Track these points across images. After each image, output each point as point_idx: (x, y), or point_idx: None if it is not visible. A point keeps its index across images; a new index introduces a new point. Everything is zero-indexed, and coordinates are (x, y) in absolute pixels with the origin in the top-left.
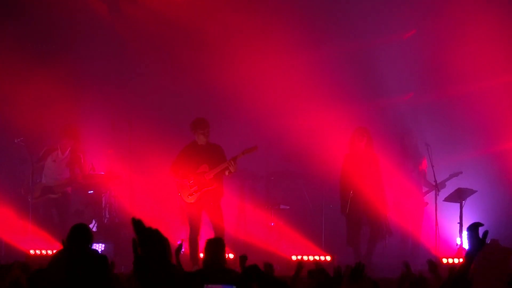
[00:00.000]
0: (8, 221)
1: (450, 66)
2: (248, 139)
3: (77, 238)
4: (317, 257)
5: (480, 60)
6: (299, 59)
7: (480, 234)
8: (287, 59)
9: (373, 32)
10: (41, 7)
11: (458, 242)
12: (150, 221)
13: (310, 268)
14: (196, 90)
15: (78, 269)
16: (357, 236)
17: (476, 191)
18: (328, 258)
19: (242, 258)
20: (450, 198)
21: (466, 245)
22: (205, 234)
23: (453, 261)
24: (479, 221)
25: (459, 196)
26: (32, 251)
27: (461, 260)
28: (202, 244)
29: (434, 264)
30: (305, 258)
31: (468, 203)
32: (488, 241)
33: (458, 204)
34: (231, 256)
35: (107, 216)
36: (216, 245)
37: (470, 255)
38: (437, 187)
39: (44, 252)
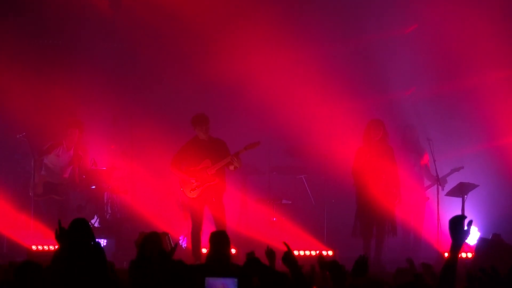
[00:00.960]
0: (10, 217)
1: (451, 60)
2: (250, 134)
3: (77, 233)
4: (319, 252)
5: (482, 54)
6: (302, 54)
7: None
8: (289, 54)
9: (375, 27)
10: (42, 3)
11: None
12: (152, 217)
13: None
14: (198, 84)
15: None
16: (370, 228)
17: (478, 186)
18: (330, 252)
19: (249, 256)
20: (452, 193)
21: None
22: (207, 229)
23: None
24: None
25: (461, 190)
26: (34, 247)
27: (463, 254)
28: (204, 239)
29: (428, 266)
30: (307, 253)
31: (470, 197)
32: (490, 236)
33: (460, 199)
34: (233, 251)
35: (109, 211)
36: (220, 238)
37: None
38: (439, 181)
39: (46, 247)
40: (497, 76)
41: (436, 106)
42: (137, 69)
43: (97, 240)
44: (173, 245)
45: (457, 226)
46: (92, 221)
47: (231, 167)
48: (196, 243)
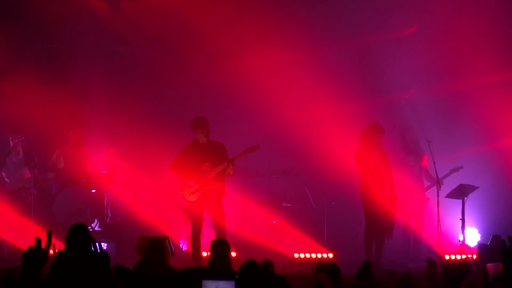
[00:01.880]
0: (10, 221)
1: (450, 62)
2: (249, 137)
3: (75, 239)
4: (319, 255)
5: (481, 56)
6: (300, 56)
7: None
8: (288, 56)
9: (374, 28)
10: (42, 6)
11: (460, 238)
12: (152, 220)
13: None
14: (197, 87)
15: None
16: (373, 230)
17: (478, 187)
18: (331, 255)
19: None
20: (452, 195)
21: (468, 242)
22: (206, 233)
23: (455, 258)
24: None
25: (461, 192)
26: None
27: (463, 256)
28: (204, 242)
29: (433, 262)
30: (307, 255)
31: (470, 199)
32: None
33: (460, 201)
34: (233, 254)
35: (109, 215)
36: (221, 246)
37: None
38: (439, 182)
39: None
40: (496, 78)
41: (435, 107)
42: (137, 72)
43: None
44: (173, 249)
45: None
46: (93, 225)
47: (227, 173)
48: (196, 247)
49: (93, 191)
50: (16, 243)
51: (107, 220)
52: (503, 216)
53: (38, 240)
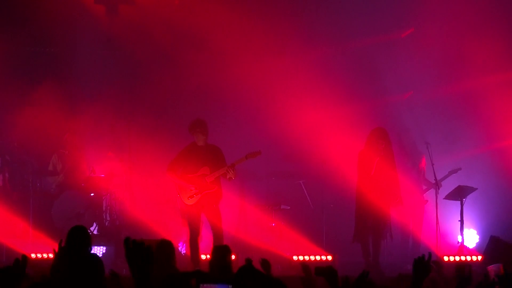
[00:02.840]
0: (8, 225)
1: (448, 64)
2: (248, 140)
3: (75, 241)
4: (318, 257)
5: (479, 57)
6: (298, 59)
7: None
8: (286, 59)
9: (371, 30)
10: (38, 10)
11: (459, 240)
12: (150, 223)
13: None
14: (195, 91)
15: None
16: (367, 233)
17: (476, 189)
18: (330, 257)
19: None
20: (450, 196)
21: (467, 243)
22: (205, 235)
23: (454, 259)
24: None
25: (459, 194)
26: (33, 255)
27: (462, 258)
28: (202, 245)
29: (439, 264)
30: (306, 258)
31: (468, 201)
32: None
33: (459, 202)
34: (232, 257)
35: (108, 218)
36: (223, 252)
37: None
38: (437, 185)
39: (45, 255)
40: (494, 80)
41: (433, 109)
42: (134, 75)
43: (96, 247)
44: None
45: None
46: (91, 229)
47: (227, 177)
48: (194, 250)
49: (91, 194)
50: (15, 247)
51: (106, 224)
52: (502, 217)
53: (16, 261)
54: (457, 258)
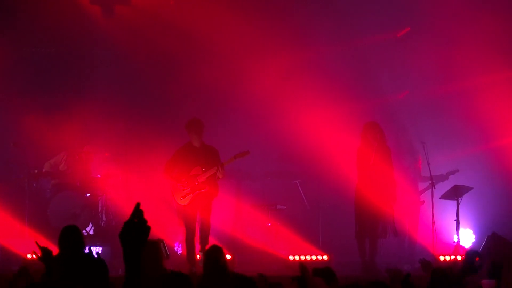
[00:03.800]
0: (5, 226)
1: (445, 63)
2: (244, 139)
3: (68, 241)
4: (314, 257)
5: (475, 56)
6: (294, 58)
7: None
8: (282, 59)
9: (367, 30)
10: (33, 10)
11: (455, 239)
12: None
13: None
14: (191, 91)
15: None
16: (365, 230)
17: (472, 188)
18: (325, 257)
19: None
20: (446, 196)
21: (463, 242)
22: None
23: (450, 258)
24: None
25: (455, 193)
26: (29, 256)
27: (458, 257)
28: (198, 246)
29: (427, 263)
30: (302, 258)
31: (464, 200)
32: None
33: (455, 201)
34: (228, 257)
35: (104, 219)
36: (214, 253)
37: None
38: (433, 183)
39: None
40: (490, 79)
41: (429, 109)
42: (130, 76)
43: (92, 247)
44: (168, 252)
45: None
46: (87, 229)
47: (217, 176)
48: (190, 249)
49: (87, 195)
50: (11, 248)
51: (102, 224)
52: (498, 216)
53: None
54: (453, 258)
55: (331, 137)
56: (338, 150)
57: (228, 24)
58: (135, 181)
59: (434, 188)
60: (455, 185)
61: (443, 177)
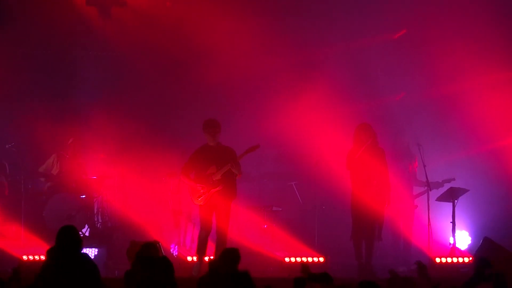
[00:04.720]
0: (0, 227)
1: (441, 65)
2: (240, 141)
3: (65, 242)
4: (310, 259)
5: (472, 58)
6: (292, 60)
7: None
8: (278, 61)
9: (364, 32)
10: (30, 12)
11: (451, 241)
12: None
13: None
14: (188, 92)
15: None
16: (361, 232)
17: (468, 190)
18: (321, 259)
19: None
20: (442, 198)
21: (459, 244)
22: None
23: (446, 261)
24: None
25: (451, 195)
26: (25, 257)
27: (454, 259)
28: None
29: (423, 266)
30: (298, 259)
31: (460, 202)
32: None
33: (451, 204)
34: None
35: (100, 220)
36: (233, 255)
37: None
38: (429, 186)
39: (37, 257)
40: (487, 80)
41: (426, 110)
42: (127, 77)
43: (87, 249)
44: (163, 254)
45: None
46: (83, 230)
47: (234, 173)
48: (201, 247)
49: (83, 196)
50: (7, 249)
51: (98, 226)
52: (494, 218)
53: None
54: (449, 260)
55: (328, 139)
56: (335, 152)
57: (224, 26)
58: (131, 183)
59: (430, 190)
60: (451, 187)
61: (439, 184)
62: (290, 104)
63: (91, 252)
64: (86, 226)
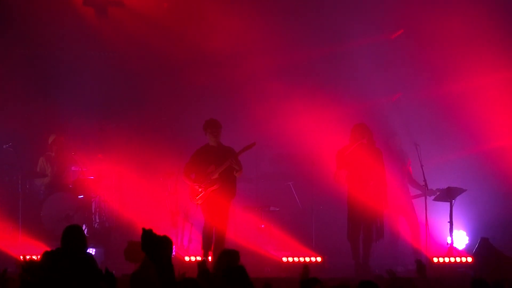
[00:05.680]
0: None
1: (438, 65)
2: (238, 141)
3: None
4: (307, 259)
5: (469, 59)
6: (288, 61)
7: None
8: (275, 61)
9: (361, 32)
10: (26, 11)
11: (449, 241)
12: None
13: (302, 278)
14: (185, 92)
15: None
16: (357, 232)
17: (465, 190)
18: (319, 259)
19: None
20: (440, 197)
21: (457, 244)
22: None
23: (444, 260)
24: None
25: (449, 195)
26: (22, 257)
27: (452, 259)
28: (191, 247)
29: (422, 265)
30: (296, 260)
31: (458, 202)
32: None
33: (448, 203)
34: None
35: (97, 220)
36: (229, 258)
37: None
38: (427, 186)
39: (35, 257)
40: (484, 81)
41: (422, 111)
42: (124, 77)
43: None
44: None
45: None
46: None
47: (235, 172)
48: (206, 242)
49: (80, 196)
50: (4, 249)
51: (95, 226)
52: (491, 218)
53: None
54: (446, 260)
55: (325, 139)
56: (331, 152)
57: (221, 26)
58: (129, 183)
59: (427, 188)
60: (449, 187)
61: (433, 192)
62: (287, 104)
63: (89, 252)
64: (84, 226)
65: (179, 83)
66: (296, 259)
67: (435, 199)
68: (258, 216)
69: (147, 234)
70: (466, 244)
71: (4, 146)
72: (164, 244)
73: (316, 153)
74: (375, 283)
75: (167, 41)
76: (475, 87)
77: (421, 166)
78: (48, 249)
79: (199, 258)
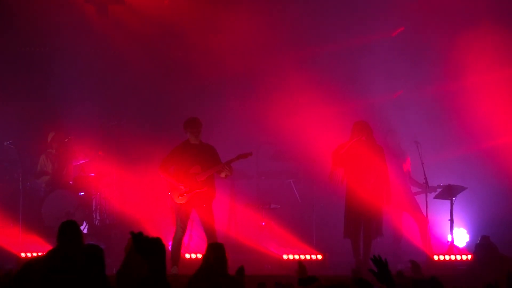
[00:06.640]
0: None
1: (439, 63)
2: (238, 139)
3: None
4: (308, 256)
5: (469, 56)
6: (288, 58)
7: None
8: (275, 59)
9: (361, 30)
10: (27, 9)
11: (449, 239)
12: (140, 222)
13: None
14: (185, 90)
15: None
16: (357, 229)
17: (466, 188)
18: (320, 256)
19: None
20: (440, 195)
21: (457, 242)
22: (195, 236)
23: (444, 258)
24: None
25: (449, 193)
26: (23, 254)
27: (452, 257)
28: (192, 244)
29: (416, 264)
30: (296, 257)
31: (458, 200)
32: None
33: (449, 201)
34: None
35: (98, 218)
36: (219, 250)
37: None
38: (427, 183)
39: (35, 255)
40: (484, 79)
41: (423, 108)
42: (125, 74)
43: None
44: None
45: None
46: (81, 228)
47: (222, 175)
48: (176, 248)
49: (81, 194)
50: (5, 246)
51: (96, 223)
52: (492, 216)
53: None
54: (447, 257)
55: (325, 136)
56: (332, 149)
57: (222, 23)
58: (129, 180)
59: (428, 186)
60: (449, 185)
61: (434, 189)
62: (288, 102)
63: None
64: (85, 223)
65: (179, 80)
66: (296, 256)
67: (436, 197)
68: (258, 214)
69: (137, 239)
70: (467, 242)
71: (5, 143)
72: (155, 247)
73: (317, 150)
74: (369, 282)
75: (167, 39)
76: (476, 84)
77: (422, 163)
78: (49, 246)
79: (199, 256)
